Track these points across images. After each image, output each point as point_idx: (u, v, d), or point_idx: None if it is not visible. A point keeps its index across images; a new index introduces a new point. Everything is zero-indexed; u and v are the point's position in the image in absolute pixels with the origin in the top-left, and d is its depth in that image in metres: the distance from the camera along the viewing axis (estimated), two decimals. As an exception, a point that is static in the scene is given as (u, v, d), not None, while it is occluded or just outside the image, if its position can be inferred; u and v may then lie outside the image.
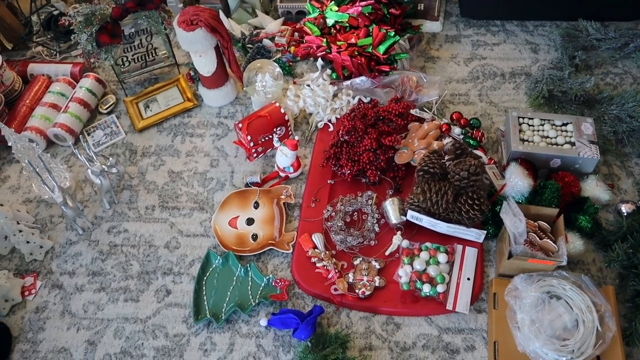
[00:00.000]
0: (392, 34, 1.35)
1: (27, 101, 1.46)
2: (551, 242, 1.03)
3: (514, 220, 1.02)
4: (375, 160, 1.19)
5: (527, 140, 1.20)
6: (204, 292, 1.13)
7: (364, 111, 1.24)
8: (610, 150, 1.27)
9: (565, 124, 1.22)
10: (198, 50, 1.30)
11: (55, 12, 1.66)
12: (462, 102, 1.39)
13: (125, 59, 1.45)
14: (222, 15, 1.57)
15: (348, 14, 1.42)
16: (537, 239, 1.03)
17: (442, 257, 1.11)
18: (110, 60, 1.37)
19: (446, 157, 1.18)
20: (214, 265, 1.16)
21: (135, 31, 1.42)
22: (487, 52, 1.49)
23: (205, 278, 1.14)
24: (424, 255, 1.11)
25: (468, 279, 1.09)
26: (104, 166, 1.23)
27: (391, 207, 1.16)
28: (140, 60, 1.47)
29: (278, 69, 1.36)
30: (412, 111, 1.30)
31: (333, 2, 1.45)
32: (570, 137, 1.20)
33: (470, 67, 1.46)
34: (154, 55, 1.49)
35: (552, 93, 1.33)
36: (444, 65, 1.47)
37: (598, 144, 1.18)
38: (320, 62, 1.41)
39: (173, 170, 1.33)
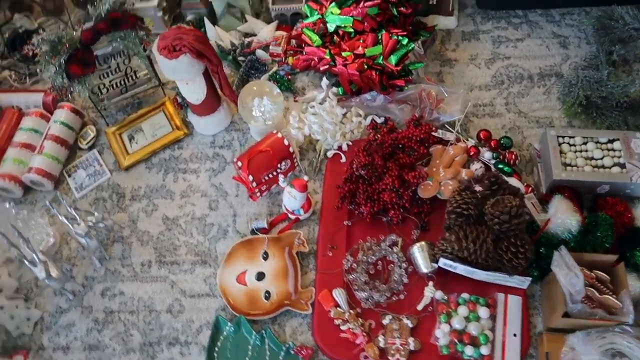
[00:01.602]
0: (405, 40, 1.17)
1: (-4, 141, 1.29)
2: (613, 298, 0.90)
3: (569, 276, 0.88)
4: (398, 199, 1.04)
5: (569, 165, 1.05)
6: (217, 365, 1.00)
7: (381, 140, 1.08)
8: (660, 164, 1.12)
9: (611, 141, 1.07)
10: (184, 78, 1.12)
11: (21, 30, 1.46)
12: (488, 113, 1.23)
13: (102, 86, 1.27)
14: (207, 24, 1.38)
15: (352, 17, 1.23)
16: (596, 293, 0.90)
17: (483, 312, 0.98)
18: (85, 92, 1.19)
19: (477, 187, 1.03)
20: (224, 334, 1.03)
21: (111, 54, 1.23)
22: (511, 50, 1.32)
23: (216, 349, 1.01)
24: (462, 310, 0.98)
25: (514, 335, 0.97)
26: (89, 223, 1.08)
27: (420, 255, 1.02)
28: (119, 85, 1.29)
29: (277, 90, 1.19)
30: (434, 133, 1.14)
31: (333, 3, 1.26)
32: (619, 157, 1.05)
33: (493, 69, 1.29)
34: (134, 78, 1.30)
35: (589, 99, 1.17)
36: (463, 70, 1.29)
37: (651, 164, 1.03)
38: (325, 81, 1.23)
39: (168, 216, 1.18)
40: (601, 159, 1.05)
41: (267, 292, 1.05)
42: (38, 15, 1.59)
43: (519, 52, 1.31)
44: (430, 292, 1.01)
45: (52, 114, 1.32)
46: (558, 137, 1.07)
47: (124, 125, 1.32)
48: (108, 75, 1.26)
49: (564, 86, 1.22)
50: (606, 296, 0.90)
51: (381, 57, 1.18)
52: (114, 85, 1.29)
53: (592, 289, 0.91)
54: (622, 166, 1.04)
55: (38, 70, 1.17)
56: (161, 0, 1.42)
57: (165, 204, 1.20)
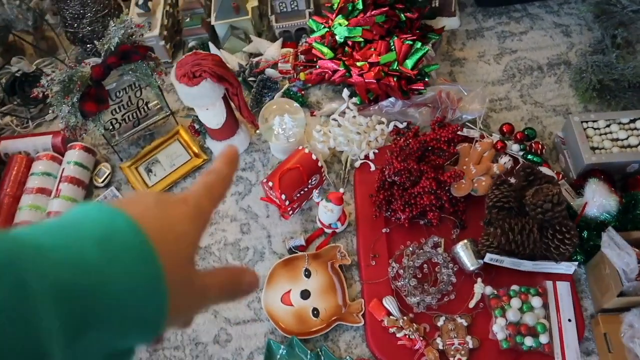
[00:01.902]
0: (419, 44, 1.18)
1: (8, 189, 1.25)
2: (665, 272, 0.91)
3: (621, 256, 0.89)
4: (437, 201, 1.04)
5: (597, 148, 1.07)
6: (274, 390, 0.98)
7: (413, 146, 1.08)
8: (679, 138, 1.14)
9: (633, 121, 1.09)
10: (205, 104, 1.11)
11: (18, 74, 1.43)
12: (505, 107, 1.24)
13: (114, 121, 1.24)
14: (212, 48, 1.37)
15: (360, 26, 1.24)
16: (648, 269, 0.91)
17: (535, 301, 0.98)
18: (100, 129, 1.17)
19: (511, 180, 1.04)
20: (278, 357, 1.01)
21: (122, 88, 1.21)
22: (516, 43, 1.34)
23: (272, 373, 0.99)
24: (515, 302, 0.98)
25: (569, 320, 0.97)
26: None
27: (464, 253, 1.02)
28: (132, 118, 1.27)
29: (295, 104, 1.19)
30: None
31: (340, 15, 1.27)
32: (643, 135, 1.07)
33: (503, 64, 1.31)
34: (146, 110, 1.29)
35: (602, 83, 1.20)
36: (474, 67, 1.31)
37: (675, 139, 1.06)
38: (346, 92, 1.23)
39: (199, 244, 1.16)
40: (626, 138, 1.07)
41: (315, 309, 1.03)
42: (31, 57, 1.56)
43: (525, 45, 1.33)
44: (480, 288, 1.01)
45: (62, 155, 1.30)
46: (582, 122, 1.09)
47: (139, 159, 1.29)
48: (120, 110, 1.24)
49: (575, 73, 1.25)
50: (660, 271, 0.91)
51: (396, 63, 1.19)
52: (126, 119, 1.27)
53: (644, 266, 0.92)
54: (648, 143, 1.06)
55: (50, 111, 1.14)
56: (162, 29, 1.41)
57: (195, 233, 1.17)
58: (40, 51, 1.56)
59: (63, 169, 1.25)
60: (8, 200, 1.24)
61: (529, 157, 1.11)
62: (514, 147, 1.12)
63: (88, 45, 1.46)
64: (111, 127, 1.25)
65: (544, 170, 1.07)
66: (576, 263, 0.99)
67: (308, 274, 1.07)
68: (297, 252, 1.11)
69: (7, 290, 0.24)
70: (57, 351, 0.25)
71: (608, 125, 1.09)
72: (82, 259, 0.28)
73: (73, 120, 1.14)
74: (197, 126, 1.25)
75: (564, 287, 1.00)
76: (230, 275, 0.39)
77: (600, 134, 1.09)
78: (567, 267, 0.99)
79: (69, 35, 1.47)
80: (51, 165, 1.28)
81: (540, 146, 1.12)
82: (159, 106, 1.31)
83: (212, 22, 1.38)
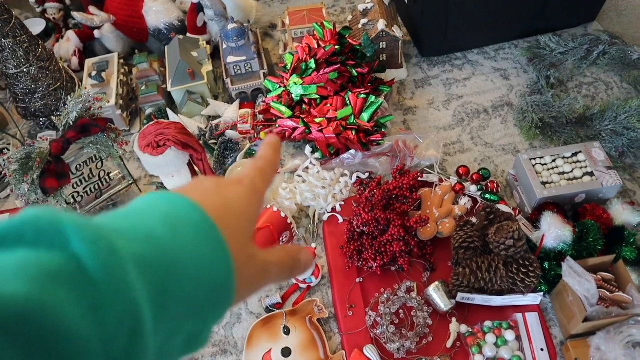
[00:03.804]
0: (373, 98, 1.24)
1: (-34, 274, 1.20)
2: (623, 294, 0.97)
3: (582, 283, 0.95)
4: (406, 247, 1.08)
5: (547, 183, 1.14)
6: None
7: (378, 196, 1.12)
8: (616, 166, 1.24)
9: (575, 154, 1.18)
10: (171, 172, 1.12)
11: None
12: (458, 150, 1.32)
13: (76, 194, 1.23)
14: (171, 114, 1.39)
15: (315, 84, 1.29)
16: (607, 293, 0.97)
17: (509, 335, 1.02)
18: (62, 204, 1.16)
19: (473, 220, 1.10)
20: (266, 420, 0.99)
21: (83, 161, 1.21)
22: (461, 89, 1.43)
23: None
24: (490, 338, 1.02)
25: (542, 349, 1.01)
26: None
27: (437, 294, 1.06)
28: (94, 190, 1.26)
29: (259, 165, 1.21)
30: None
31: (294, 74, 1.33)
32: (586, 167, 1.16)
33: (451, 109, 1.39)
34: (108, 181, 1.28)
35: (543, 121, 1.30)
36: (425, 115, 1.39)
37: (614, 167, 1.15)
38: (308, 148, 1.27)
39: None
40: (571, 171, 1.16)
41: (298, 366, 1.03)
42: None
43: (469, 90, 1.43)
44: (456, 327, 1.04)
45: (23, 232, 1.26)
46: (530, 159, 1.17)
47: (103, 230, 1.28)
48: (82, 183, 1.23)
49: (518, 113, 1.34)
50: (617, 294, 0.97)
51: (353, 117, 1.24)
52: (89, 192, 1.26)
53: (603, 290, 0.98)
54: (591, 174, 1.14)
55: (9, 190, 1.12)
56: (117, 99, 1.42)
57: (168, 301, 1.16)
58: (-11, 128, 1.53)
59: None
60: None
61: (487, 196, 1.17)
62: (472, 188, 1.19)
63: (41, 120, 1.45)
64: (73, 200, 1.23)
65: (502, 207, 1.13)
66: (541, 293, 1.04)
67: (287, 331, 1.07)
68: (274, 310, 1.11)
69: (103, 254, 0.26)
70: (148, 319, 0.27)
71: (554, 160, 1.18)
72: (152, 235, 0.30)
73: (33, 198, 1.13)
74: (162, 193, 1.25)
75: (533, 318, 1.05)
76: (289, 252, 0.41)
77: (548, 169, 1.17)
78: (534, 298, 1.04)
79: (20, 110, 1.46)
80: (11, 245, 1.24)
81: (495, 185, 1.19)
82: (120, 175, 1.31)
83: (169, 89, 1.40)
